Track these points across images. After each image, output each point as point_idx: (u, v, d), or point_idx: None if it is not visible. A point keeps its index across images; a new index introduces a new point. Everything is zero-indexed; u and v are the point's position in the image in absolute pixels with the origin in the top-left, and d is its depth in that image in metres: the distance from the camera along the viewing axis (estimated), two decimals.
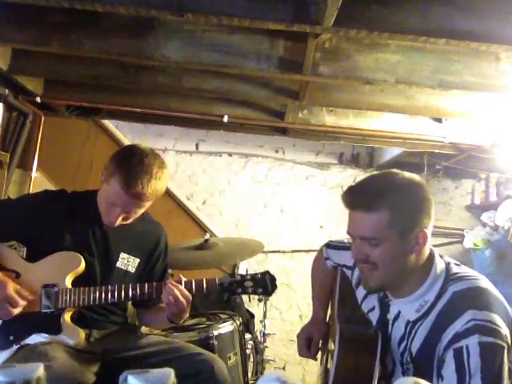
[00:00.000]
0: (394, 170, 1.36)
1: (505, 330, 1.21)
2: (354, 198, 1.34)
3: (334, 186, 4.53)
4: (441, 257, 1.39)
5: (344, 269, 1.69)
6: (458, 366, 1.18)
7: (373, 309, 1.51)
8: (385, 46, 2.17)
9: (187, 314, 1.82)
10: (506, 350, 1.19)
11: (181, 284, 1.77)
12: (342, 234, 4.74)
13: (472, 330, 1.18)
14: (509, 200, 3.62)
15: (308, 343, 1.75)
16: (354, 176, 4.53)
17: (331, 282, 1.79)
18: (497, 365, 1.17)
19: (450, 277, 1.32)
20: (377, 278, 1.34)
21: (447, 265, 1.36)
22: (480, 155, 3.40)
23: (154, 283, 1.80)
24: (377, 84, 2.28)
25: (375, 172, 1.42)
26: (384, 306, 1.46)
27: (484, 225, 3.84)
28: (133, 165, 1.73)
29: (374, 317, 1.51)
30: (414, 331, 1.34)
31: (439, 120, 3.14)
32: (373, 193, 1.31)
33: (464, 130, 3.15)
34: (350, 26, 1.73)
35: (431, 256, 1.36)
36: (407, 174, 1.34)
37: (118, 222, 1.79)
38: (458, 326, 1.21)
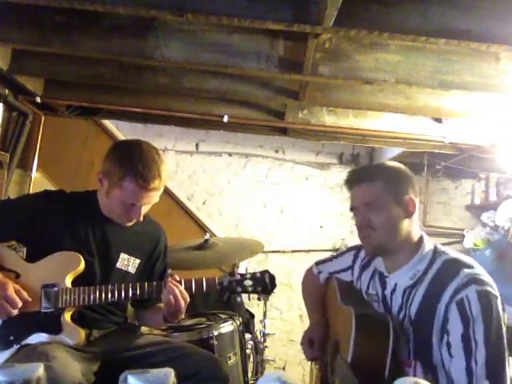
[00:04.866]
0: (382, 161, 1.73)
1: (494, 286, 1.40)
2: (354, 175, 1.63)
3: (334, 185, 4.53)
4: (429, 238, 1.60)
5: (340, 273, 1.86)
6: (461, 315, 1.34)
7: (377, 291, 1.66)
8: (385, 46, 2.17)
9: (183, 315, 1.83)
10: (498, 300, 1.37)
11: (181, 284, 1.78)
12: (341, 234, 4.76)
13: (468, 282, 1.37)
14: (509, 200, 3.62)
15: (310, 345, 1.85)
16: None
17: (323, 293, 1.97)
18: (494, 309, 1.35)
19: (437, 252, 1.53)
20: (375, 239, 1.54)
21: (435, 245, 1.57)
22: (480, 155, 3.40)
23: (154, 282, 1.80)
24: (377, 84, 2.28)
25: None
26: (382, 284, 1.63)
27: (484, 225, 3.84)
28: (138, 160, 1.74)
29: (379, 297, 1.65)
30: (410, 297, 1.50)
31: (439, 120, 3.14)
32: (368, 169, 1.68)
33: (464, 130, 3.15)
34: (350, 26, 1.73)
35: (421, 237, 1.57)
36: (393, 161, 1.65)
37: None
38: (455, 283, 1.39)
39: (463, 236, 3.92)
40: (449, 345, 1.36)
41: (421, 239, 1.55)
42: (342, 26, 1.72)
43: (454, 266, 1.45)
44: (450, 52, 2.17)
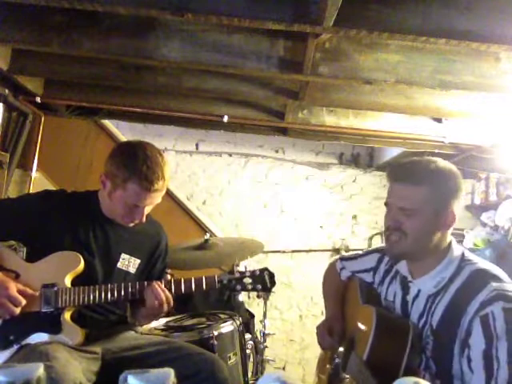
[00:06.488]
0: (435, 158, 1.54)
1: None
2: (404, 171, 1.51)
3: (334, 185, 4.53)
4: (458, 244, 1.54)
5: (363, 274, 1.83)
6: (485, 331, 1.28)
7: (395, 295, 1.64)
8: (385, 46, 2.17)
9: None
10: None
11: (180, 284, 1.78)
12: (341, 234, 4.74)
13: (496, 298, 1.30)
14: (509, 200, 3.61)
15: (330, 334, 1.84)
16: (353, 176, 4.53)
17: (343, 289, 1.96)
18: None
19: (464, 260, 1.47)
20: (402, 246, 1.47)
21: (463, 252, 1.51)
22: (480, 155, 3.40)
23: (153, 282, 1.80)
24: (377, 84, 2.28)
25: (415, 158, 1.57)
26: (405, 288, 1.59)
27: (484, 225, 3.84)
28: (143, 162, 1.74)
29: (397, 302, 1.62)
30: (434, 306, 1.46)
31: (439, 120, 3.13)
32: (420, 170, 1.49)
33: (464, 130, 3.15)
34: (350, 26, 1.73)
35: (450, 242, 1.51)
36: (446, 162, 1.53)
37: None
38: (482, 296, 1.33)
39: (463, 236, 3.92)
40: (469, 359, 1.32)
41: (450, 245, 1.50)
42: (342, 26, 1.72)
43: (481, 277, 1.38)
44: (450, 52, 2.17)
